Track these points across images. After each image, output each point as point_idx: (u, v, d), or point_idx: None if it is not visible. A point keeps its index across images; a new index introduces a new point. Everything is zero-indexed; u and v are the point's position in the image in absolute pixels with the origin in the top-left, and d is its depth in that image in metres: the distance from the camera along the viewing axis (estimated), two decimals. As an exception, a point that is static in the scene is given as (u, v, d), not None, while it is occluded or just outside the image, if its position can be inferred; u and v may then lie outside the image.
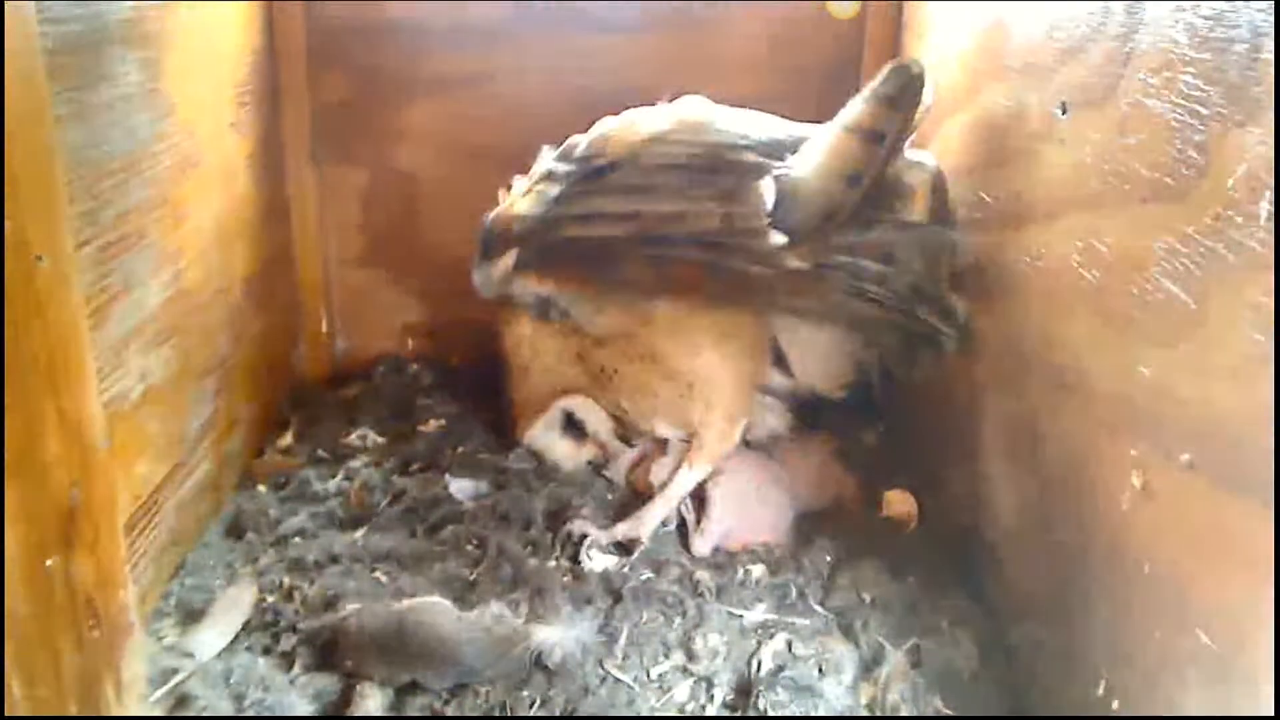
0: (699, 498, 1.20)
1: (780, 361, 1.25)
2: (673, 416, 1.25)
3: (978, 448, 1.08)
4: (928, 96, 1.06)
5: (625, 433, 1.30)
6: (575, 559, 1.11)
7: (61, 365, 0.75)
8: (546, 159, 1.18)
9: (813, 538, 1.15)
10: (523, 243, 1.18)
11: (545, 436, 1.31)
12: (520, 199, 1.18)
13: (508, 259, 1.19)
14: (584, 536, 1.13)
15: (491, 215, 1.21)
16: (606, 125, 1.14)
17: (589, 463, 1.32)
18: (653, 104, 1.19)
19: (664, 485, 1.21)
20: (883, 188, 1.11)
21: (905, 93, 1.05)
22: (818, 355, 1.26)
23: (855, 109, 1.09)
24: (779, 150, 1.09)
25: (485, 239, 1.21)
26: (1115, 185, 0.78)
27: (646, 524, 1.16)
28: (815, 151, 1.10)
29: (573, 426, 1.31)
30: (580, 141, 1.13)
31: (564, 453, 1.31)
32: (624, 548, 1.14)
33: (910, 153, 1.12)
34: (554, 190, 1.14)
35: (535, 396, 1.30)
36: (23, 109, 0.70)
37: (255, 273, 1.33)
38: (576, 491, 1.23)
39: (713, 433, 1.21)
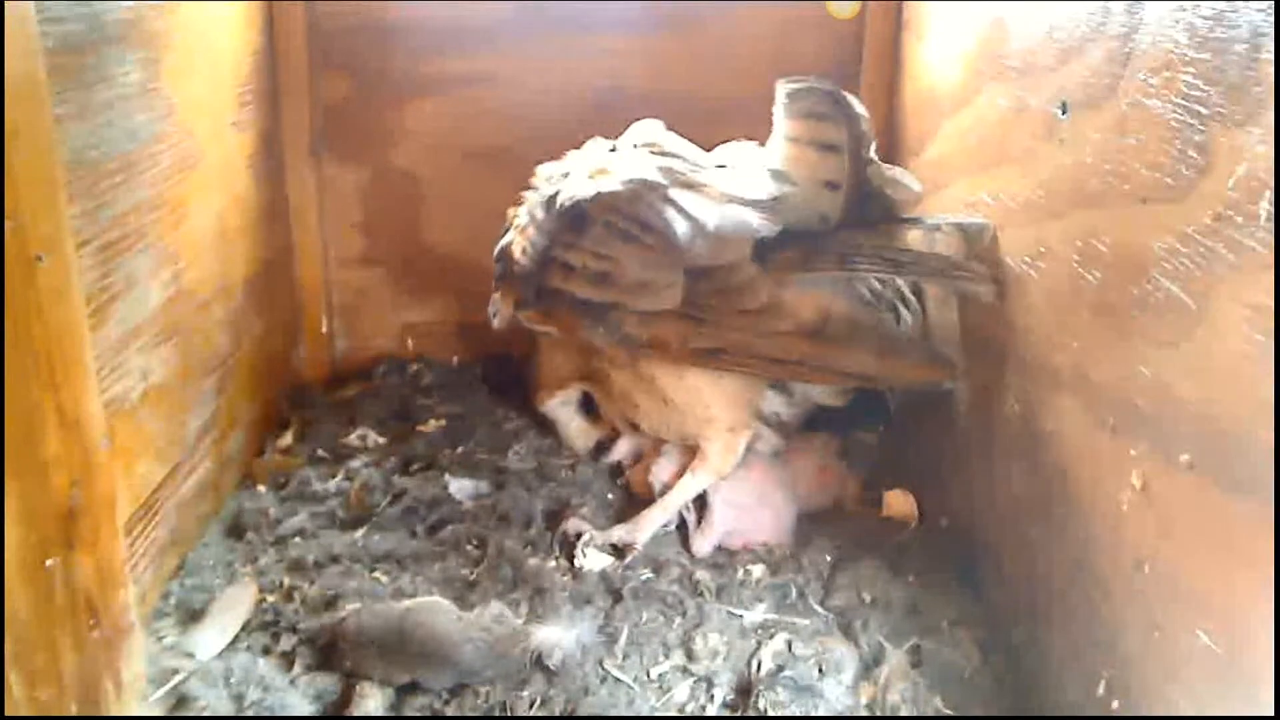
0: (700, 498, 1.20)
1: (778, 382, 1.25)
2: (655, 424, 1.26)
3: (978, 448, 1.08)
4: (859, 107, 1.06)
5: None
6: (571, 558, 1.11)
7: (61, 365, 0.75)
8: (539, 192, 1.19)
9: (813, 538, 1.15)
10: (523, 284, 1.19)
11: (562, 410, 1.35)
12: (516, 237, 1.20)
13: (508, 307, 1.22)
14: (579, 535, 1.13)
15: (499, 248, 1.23)
16: (577, 181, 1.14)
17: (598, 442, 1.34)
18: (641, 117, 1.20)
19: (664, 489, 1.21)
20: (866, 200, 1.11)
21: (821, 107, 1.06)
22: None
23: (783, 126, 1.11)
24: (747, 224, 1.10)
25: (497, 271, 1.23)
26: (1115, 185, 0.78)
27: (644, 529, 1.15)
28: (777, 163, 1.12)
29: (590, 408, 1.35)
30: (559, 194, 1.14)
31: (577, 428, 1.35)
32: (619, 550, 1.14)
33: (889, 169, 1.12)
34: (541, 241, 1.16)
35: (559, 373, 1.34)
36: (23, 109, 0.70)
37: (255, 273, 1.33)
38: (576, 491, 1.23)
39: (716, 445, 1.21)
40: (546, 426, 1.37)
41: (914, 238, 1.13)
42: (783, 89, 1.08)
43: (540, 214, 1.16)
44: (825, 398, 1.26)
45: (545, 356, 1.35)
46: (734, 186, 1.11)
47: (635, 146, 1.20)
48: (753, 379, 1.20)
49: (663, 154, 1.17)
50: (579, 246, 1.13)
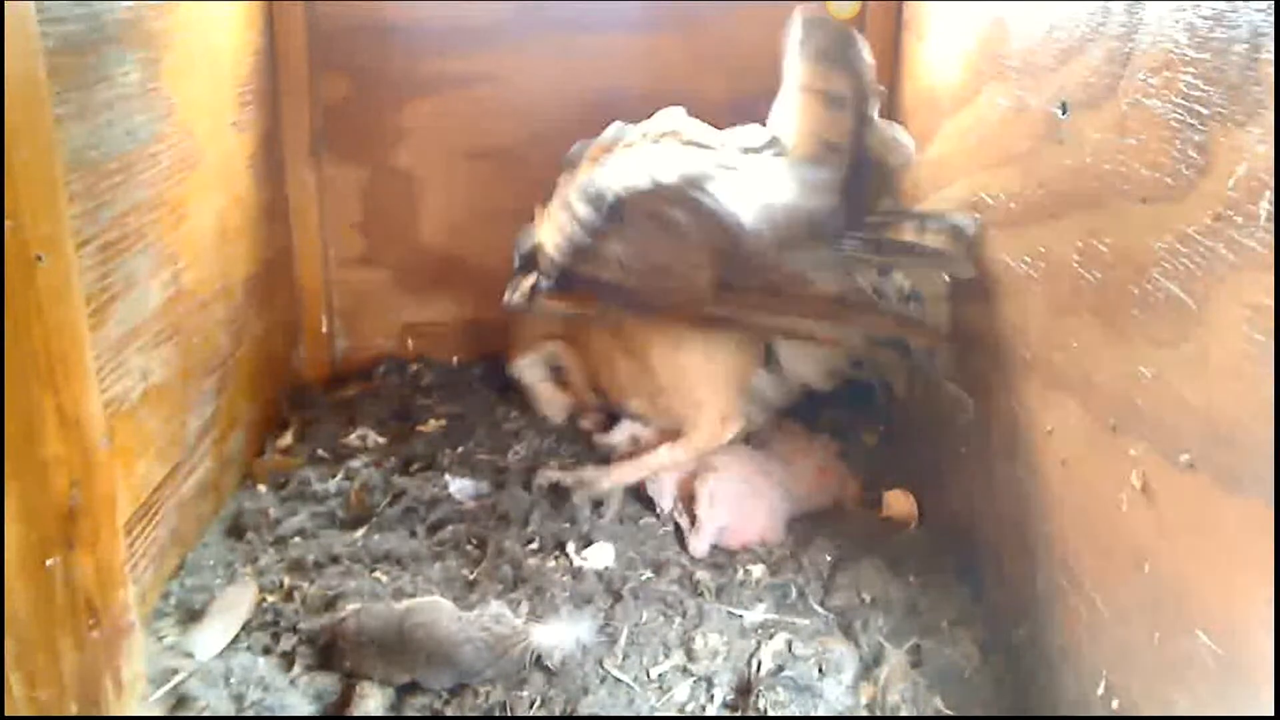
0: (690, 498, 1.20)
1: (770, 358, 1.25)
2: (633, 393, 1.26)
3: (977, 448, 1.08)
4: (866, 54, 1.07)
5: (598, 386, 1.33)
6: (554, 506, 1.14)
7: (61, 365, 0.75)
8: (574, 191, 1.18)
9: (813, 538, 1.15)
10: (549, 270, 1.20)
11: (531, 372, 1.36)
12: (548, 233, 1.19)
13: (526, 283, 1.21)
14: (555, 485, 1.14)
15: (528, 239, 1.23)
16: (627, 172, 1.14)
17: (570, 416, 1.35)
18: (655, 110, 1.20)
19: (614, 451, 1.23)
20: (864, 165, 1.11)
21: (834, 48, 1.06)
22: (809, 349, 1.26)
23: (796, 67, 1.10)
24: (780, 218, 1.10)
25: (520, 257, 1.23)
26: (1115, 185, 0.78)
27: (613, 477, 1.16)
28: (788, 116, 1.12)
29: (559, 372, 1.36)
30: (607, 192, 1.14)
31: (548, 395, 1.36)
32: (575, 486, 1.15)
33: (885, 126, 1.12)
34: (579, 236, 1.16)
35: (531, 334, 1.36)
36: (23, 109, 0.70)
37: (255, 273, 1.33)
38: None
39: (702, 433, 1.21)
40: (543, 426, 1.37)
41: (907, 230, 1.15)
42: (799, 17, 1.08)
43: (580, 204, 1.15)
44: (814, 379, 1.26)
45: (519, 316, 1.35)
46: (763, 180, 1.12)
47: (652, 135, 1.20)
48: (744, 360, 1.21)
49: (698, 145, 1.17)
50: (611, 237, 1.13)
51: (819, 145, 1.11)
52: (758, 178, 1.12)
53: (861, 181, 1.13)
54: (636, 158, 1.16)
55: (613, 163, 1.17)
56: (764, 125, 1.19)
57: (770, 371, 1.24)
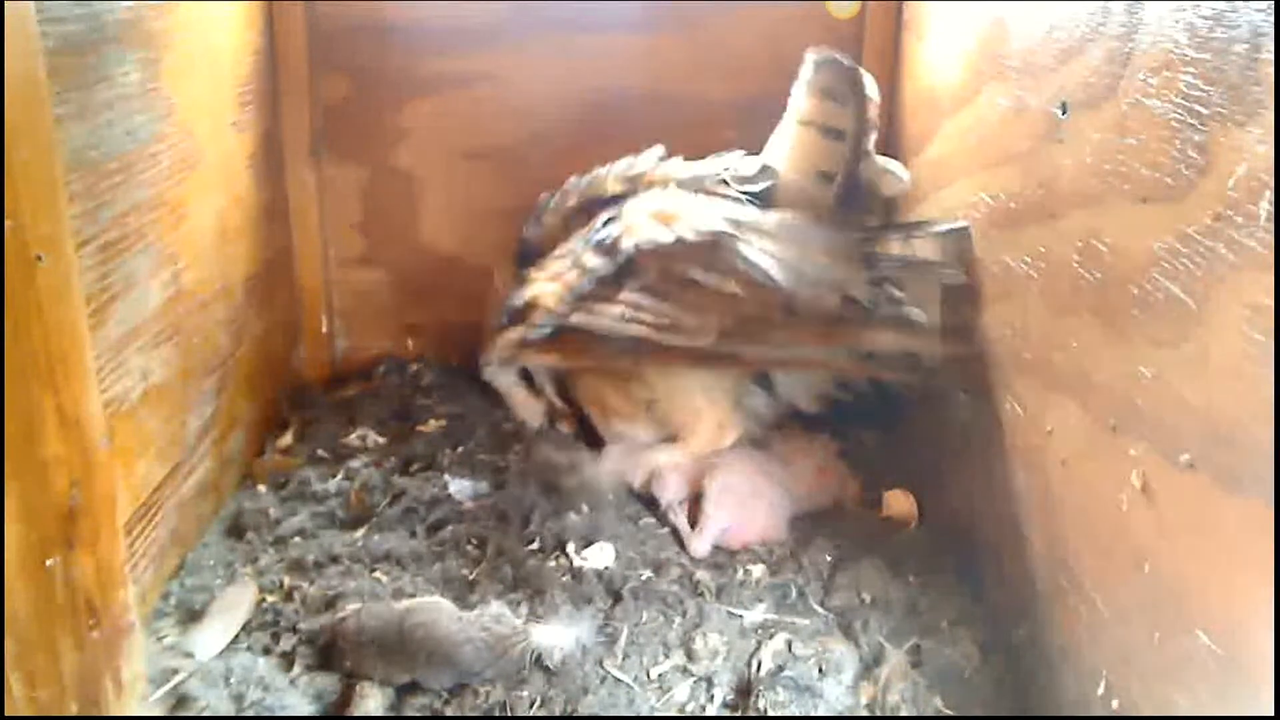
0: (695, 499, 1.19)
1: (763, 379, 1.26)
2: (625, 401, 1.26)
3: (978, 448, 1.08)
4: (872, 91, 1.08)
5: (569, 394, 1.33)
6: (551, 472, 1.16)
7: (61, 365, 0.75)
8: (583, 243, 1.18)
9: (813, 538, 1.15)
10: (540, 328, 1.19)
11: (504, 377, 1.34)
12: (546, 287, 1.19)
13: (512, 336, 1.21)
14: (550, 463, 1.18)
15: (517, 299, 1.22)
16: (644, 227, 1.14)
17: (551, 422, 1.35)
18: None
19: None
20: (856, 193, 1.12)
21: (841, 86, 1.07)
22: (801, 375, 1.27)
23: (801, 103, 1.12)
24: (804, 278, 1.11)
25: (501, 320, 1.23)
26: (1115, 185, 0.78)
27: (605, 466, 1.20)
28: (783, 147, 1.12)
29: (530, 378, 1.35)
30: (623, 242, 1.14)
31: (520, 399, 1.35)
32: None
33: (882, 160, 1.13)
34: (584, 286, 1.16)
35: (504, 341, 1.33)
36: (23, 109, 0.70)
37: (255, 273, 1.33)
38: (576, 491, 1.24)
39: (700, 439, 1.22)
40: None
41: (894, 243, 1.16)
42: (810, 58, 1.10)
43: (592, 258, 1.15)
44: (804, 403, 1.27)
45: (494, 318, 1.34)
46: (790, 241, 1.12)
47: (630, 176, 1.20)
48: (739, 379, 1.22)
49: (707, 193, 1.17)
50: (616, 286, 1.14)
51: (811, 175, 1.12)
52: (784, 237, 1.13)
53: (856, 209, 1.14)
54: (653, 208, 1.16)
55: (630, 214, 1.16)
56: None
57: (762, 388, 1.25)
